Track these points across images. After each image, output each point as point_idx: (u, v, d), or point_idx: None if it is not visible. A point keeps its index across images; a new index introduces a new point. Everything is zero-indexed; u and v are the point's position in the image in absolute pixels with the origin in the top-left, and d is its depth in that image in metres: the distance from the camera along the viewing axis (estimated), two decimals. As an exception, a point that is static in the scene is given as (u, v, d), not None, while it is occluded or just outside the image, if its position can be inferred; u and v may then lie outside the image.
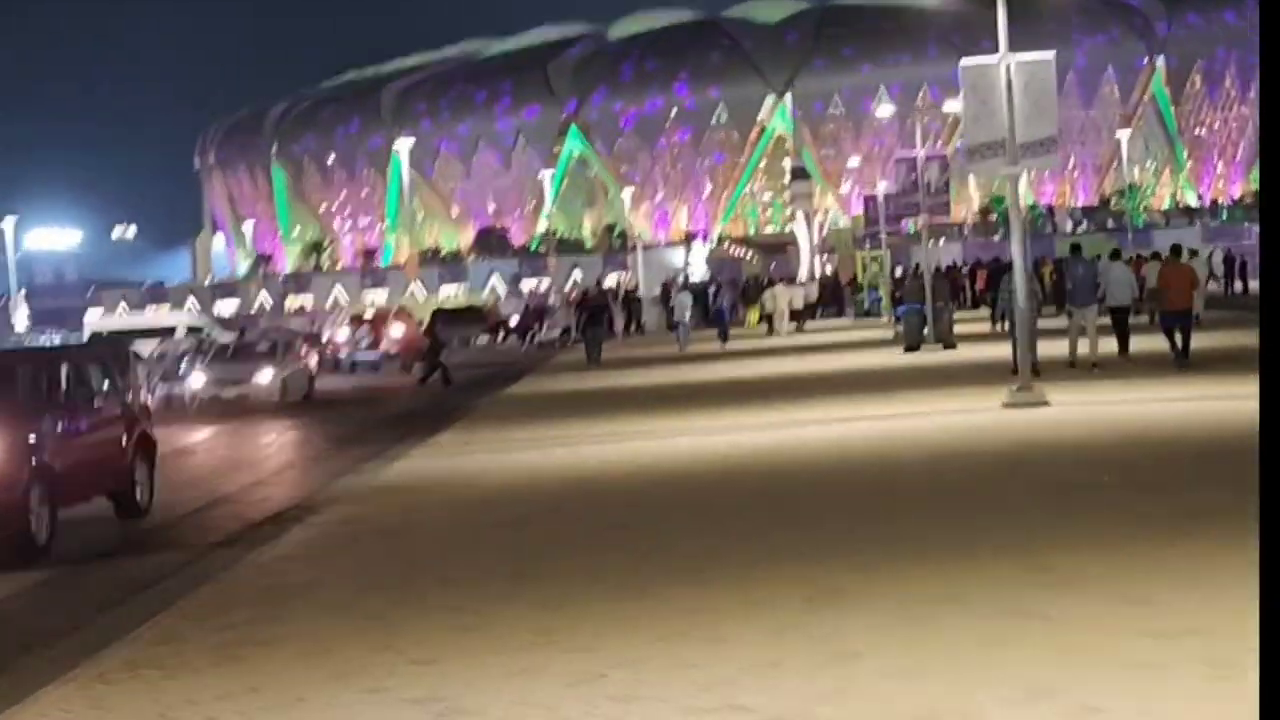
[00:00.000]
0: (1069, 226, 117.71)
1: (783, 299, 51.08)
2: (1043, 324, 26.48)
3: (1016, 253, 20.72)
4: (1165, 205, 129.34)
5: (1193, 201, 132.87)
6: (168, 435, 28.60)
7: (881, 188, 50.66)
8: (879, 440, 17.68)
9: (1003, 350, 28.72)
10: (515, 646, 8.81)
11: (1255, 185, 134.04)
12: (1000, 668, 7.47)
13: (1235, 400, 18.13)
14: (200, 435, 28.69)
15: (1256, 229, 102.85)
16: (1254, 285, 59.85)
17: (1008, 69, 19.85)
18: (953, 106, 47.02)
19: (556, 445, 20.37)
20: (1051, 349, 25.55)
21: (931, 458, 15.84)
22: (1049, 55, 20.01)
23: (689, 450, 18.48)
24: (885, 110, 50.14)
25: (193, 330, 51.98)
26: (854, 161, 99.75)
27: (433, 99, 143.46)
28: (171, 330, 52.35)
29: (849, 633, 8.49)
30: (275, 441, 26.82)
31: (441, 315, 49.41)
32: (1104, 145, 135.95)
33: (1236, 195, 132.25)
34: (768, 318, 53.04)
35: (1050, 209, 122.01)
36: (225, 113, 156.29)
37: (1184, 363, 23.79)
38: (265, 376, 33.60)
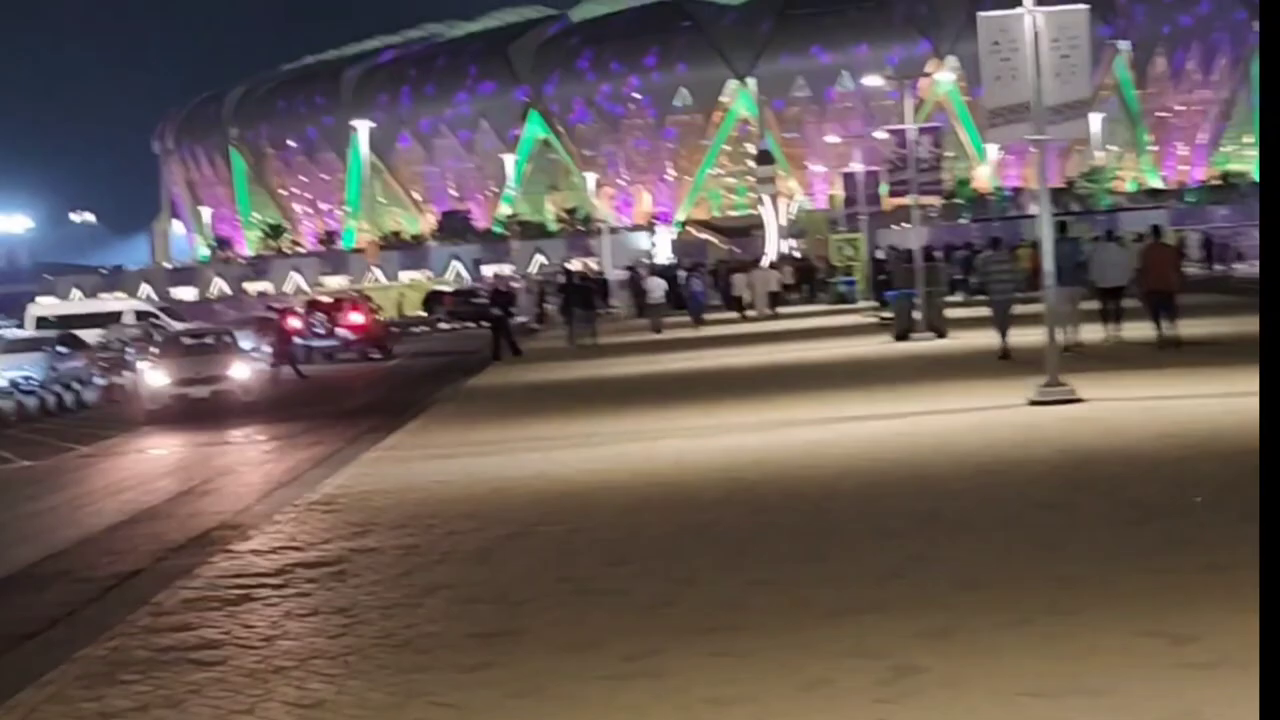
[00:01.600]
0: (1034, 209, 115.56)
1: (760, 282, 48.60)
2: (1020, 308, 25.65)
3: (1046, 234, 18.18)
4: (1128, 188, 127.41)
5: (1155, 184, 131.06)
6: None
7: (858, 166, 48.26)
8: (903, 446, 15.10)
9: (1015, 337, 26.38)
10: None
11: (1219, 168, 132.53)
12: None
13: (1250, 397, 15.71)
14: (144, 434, 25.99)
15: (1223, 211, 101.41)
16: (1235, 267, 57.67)
17: (1034, 21, 17.32)
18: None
19: (526, 449, 17.77)
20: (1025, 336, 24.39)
21: (972, 469, 13.28)
22: (1082, 6, 17.47)
23: (680, 456, 15.91)
24: (873, 80, 47.40)
25: (141, 316, 49.16)
26: (833, 138, 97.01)
27: (393, 83, 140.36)
28: (118, 316, 49.51)
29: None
30: (211, 443, 24.13)
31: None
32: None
33: (1200, 178, 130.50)
34: (737, 300, 50.61)
35: (1016, 191, 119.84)
36: (184, 96, 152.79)
37: (1171, 345, 23.35)
38: (240, 371, 29.69)
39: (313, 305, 46.39)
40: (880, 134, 39.14)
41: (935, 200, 43.05)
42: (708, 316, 48.73)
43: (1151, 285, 23.73)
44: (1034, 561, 9.41)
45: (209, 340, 32.20)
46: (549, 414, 21.81)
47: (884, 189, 37.43)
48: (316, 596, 10.35)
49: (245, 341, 45.13)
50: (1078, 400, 17.36)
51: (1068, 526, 10.49)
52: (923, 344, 29.58)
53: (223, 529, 14.26)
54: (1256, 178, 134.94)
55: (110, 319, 48.64)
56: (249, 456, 21.47)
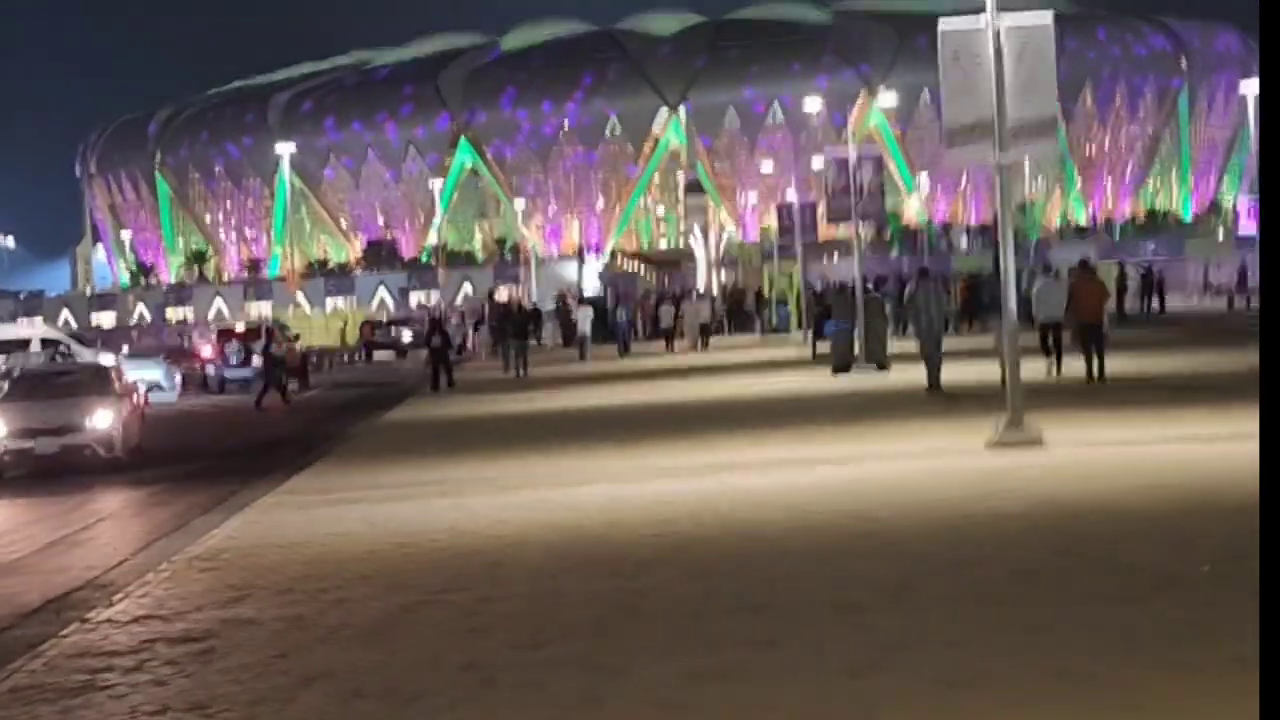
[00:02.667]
0: (964, 244, 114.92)
1: (690, 313, 47.13)
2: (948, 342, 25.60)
3: (1008, 264, 16.66)
4: (1056, 223, 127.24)
5: (1082, 220, 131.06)
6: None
7: (792, 195, 46.83)
8: (856, 496, 13.48)
9: (950, 373, 25.04)
10: None
11: (1146, 204, 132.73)
12: None
13: (1234, 442, 14.46)
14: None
15: (1152, 246, 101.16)
16: (1171, 302, 56.69)
17: (997, 34, 15.83)
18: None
19: (437, 494, 16.02)
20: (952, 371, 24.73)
21: (938, 526, 11.66)
22: (1046, 17, 16.01)
23: (607, 505, 14.21)
24: (813, 103, 46.13)
25: (48, 344, 46.79)
26: (768, 167, 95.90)
27: (321, 109, 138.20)
28: (25, 344, 47.11)
29: None
30: (88, 486, 22.15)
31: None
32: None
33: (1128, 214, 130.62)
34: (667, 334, 49.10)
35: (946, 226, 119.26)
36: (108, 119, 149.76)
37: (1100, 381, 23.27)
38: (103, 419, 22.90)
39: (226, 334, 44.34)
40: (818, 163, 37.72)
41: (882, 224, 41.92)
42: (636, 349, 47.20)
43: (1082, 318, 23.58)
44: (1027, 649, 7.79)
45: (71, 379, 24.98)
46: (466, 453, 20.06)
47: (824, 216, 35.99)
48: (172, 685, 8.57)
49: (150, 371, 43.22)
50: (1039, 443, 15.82)
51: (1059, 602, 8.88)
52: (863, 377, 28.07)
53: (88, 588, 12.46)
54: (1184, 215, 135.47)
55: (16, 346, 46.24)
56: (134, 499, 19.57)
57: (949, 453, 15.97)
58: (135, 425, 24.35)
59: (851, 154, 28.75)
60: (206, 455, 24.29)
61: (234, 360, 42.88)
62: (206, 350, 43.46)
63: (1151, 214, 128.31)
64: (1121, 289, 48.59)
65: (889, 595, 9.33)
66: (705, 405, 25.35)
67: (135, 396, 25.27)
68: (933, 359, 24.04)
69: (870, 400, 23.87)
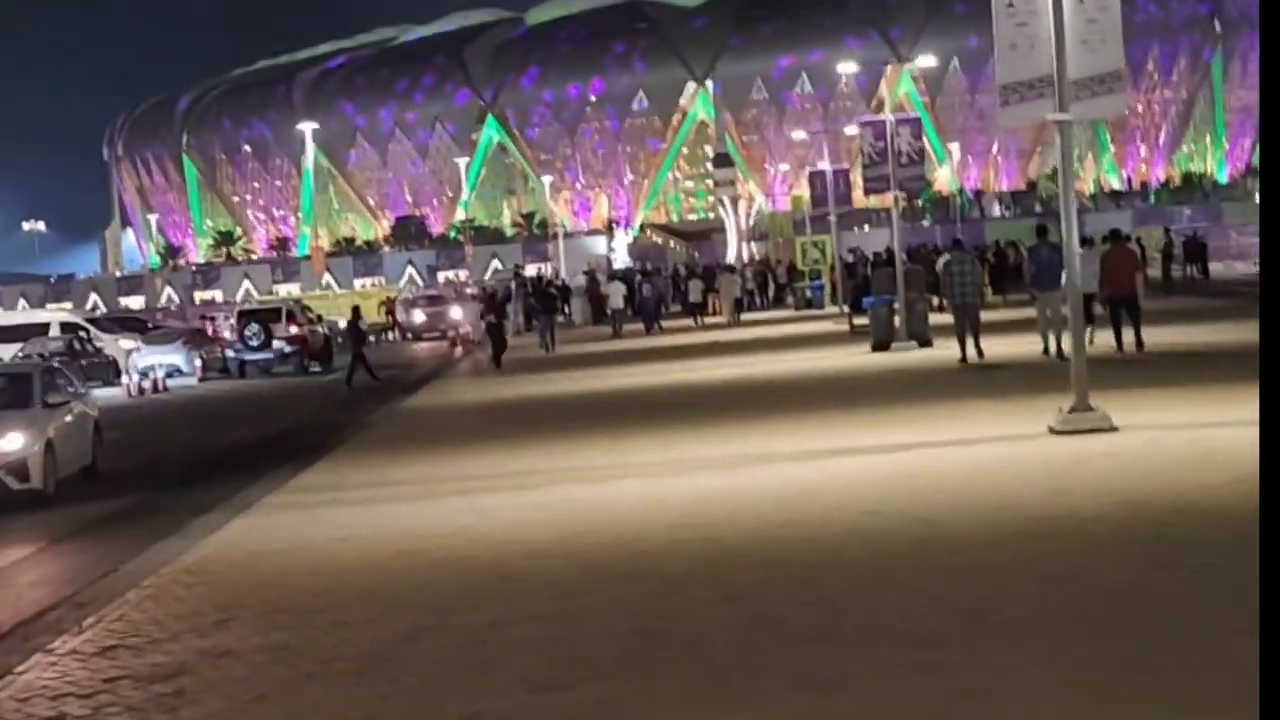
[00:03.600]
0: (997, 211, 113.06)
1: (725, 287, 45.73)
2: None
3: (1072, 227, 15.18)
4: (1089, 189, 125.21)
5: (1116, 184, 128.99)
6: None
7: (824, 165, 45.28)
8: (913, 494, 12.07)
9: (991, 347, 23.71)
10: None
11: (1180, 168, 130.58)
12: None
13: None
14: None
15: (1187, 211, 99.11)
16: (1214, 269, 54.89)
17: (1056, -21, 14.36)
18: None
19: (452, 492, 14.70)
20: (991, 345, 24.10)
21: (1011, 532, 10.23)
22: (1111, -42, 14.50)
23: (636, 506, 12.86)
24: (848, 67, 44.54)
25: (66, 329, 45.63)
26: (800, 134, 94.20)
27: (347, 87, 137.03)
28: (45, 328, 45.96)
29: None
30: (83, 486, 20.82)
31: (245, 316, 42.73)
32: (1027, 129, 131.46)
33: (1161, 178, 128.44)
34: (696, 307, 47.82)
35: (978, 194, 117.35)
36: (135, 101, 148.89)
37: (1139, 352, 22.42)
38: (11, 442, 17.12)
39: (246, 314, 43.06)
40: (852, 129, 36.13)
41: (921, 193, 40.40)
42: (666, 324, 45.79)
43: (1113, 291, 22.84)
44: (1143, 700, 6.41)
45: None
46: (487, 443, 18.72)
47: (858, 185, 34.49)
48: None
49: (170, 355, 41.92)
50: (1112, 429, 14.38)
51: (1171, 633, 7.48)
52: (905, 355, 26.62)
53: (63, 605, 11.17)
54: (1219, 178, 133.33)
55: (36, 331, 45.14)
56: (126, 498, 18.23)
57: (1009, 439, 14.55)
58: (79, 444, 18.78)
59: (889, 119, 27.15)
60: (214, 446, 22.98)
61: (254, 342, 41.55)
62: (226, 333, 42.16)
63: (1187, 178, 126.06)
64: (1168, 256, 46.93)
65: (965, 622, 7.95)
66: (740, 386, 23.95)
67: (83, 406, 19.54)
68: (968, 332, 23.47)
69: (916, 379, 22.43)
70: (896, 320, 27.85)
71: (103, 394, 31.61)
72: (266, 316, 42.56)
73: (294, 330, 42.36)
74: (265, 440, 23.60)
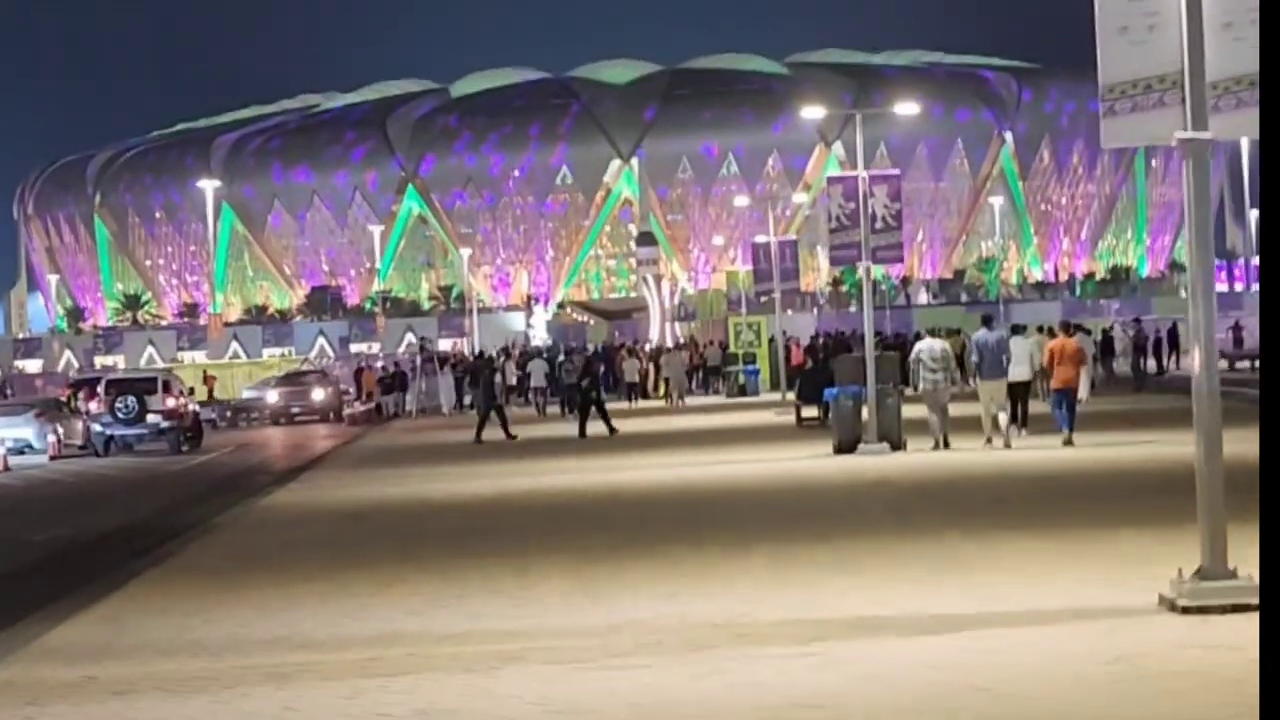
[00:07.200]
0: (924, 298, 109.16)
1: (674, 366, 41.09)
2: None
3: (1208, 301, 10.07)
4: (1013, 279, 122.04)
5: (1039, 276, 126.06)
6: None
7: (763, 238, 40.48)
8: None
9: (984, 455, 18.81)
10: None
11: (1104, 261, 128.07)
12: None
13: None
14: None
15: (1115, 305, 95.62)
16: (1171, 363, 50.42)
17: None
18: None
19: (261, 676, 9.27)
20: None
21: None
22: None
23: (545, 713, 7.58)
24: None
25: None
26: (741, 200, 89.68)
27: (266, 152, 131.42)
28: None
29: None
30: None
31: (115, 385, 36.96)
32: (952, 218, 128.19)
33: (1085, 271, 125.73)
34: (632, 386, 43.11)
35: (904, 280, 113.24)
36: (47, 160, 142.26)
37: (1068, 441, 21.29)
38: None
39: (115, 383, 37.43)
40: (801, 195, 31.18)
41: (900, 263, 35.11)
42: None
43: (1060, 382, 21.96)
44: None
45: None
46: (338, 579, 13.29)
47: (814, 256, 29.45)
48: None
49: (18, 429, 36.37)
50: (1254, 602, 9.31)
51: None
52: (877, 459, 21.53)
53: None
54: (1140, 273, 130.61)
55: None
56: None
57: (1112, 614, 9.41)
58: None
59: (861, 175, 22.18)
60: None
61: (125, 416, 35.85)
62: (93, 405, 36.48)
63: (1114, 271, 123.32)
64: (1139, 349, 42.64)
65: None
66: (689, 497, 18.63)
67: None
68: (939, 419, 22.15)
69: (906, 496, 17.32)
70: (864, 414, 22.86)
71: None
72: (141, 387, 36.93)
73: (171, 403, 36.76)
74: (78, 546, 18.20)
